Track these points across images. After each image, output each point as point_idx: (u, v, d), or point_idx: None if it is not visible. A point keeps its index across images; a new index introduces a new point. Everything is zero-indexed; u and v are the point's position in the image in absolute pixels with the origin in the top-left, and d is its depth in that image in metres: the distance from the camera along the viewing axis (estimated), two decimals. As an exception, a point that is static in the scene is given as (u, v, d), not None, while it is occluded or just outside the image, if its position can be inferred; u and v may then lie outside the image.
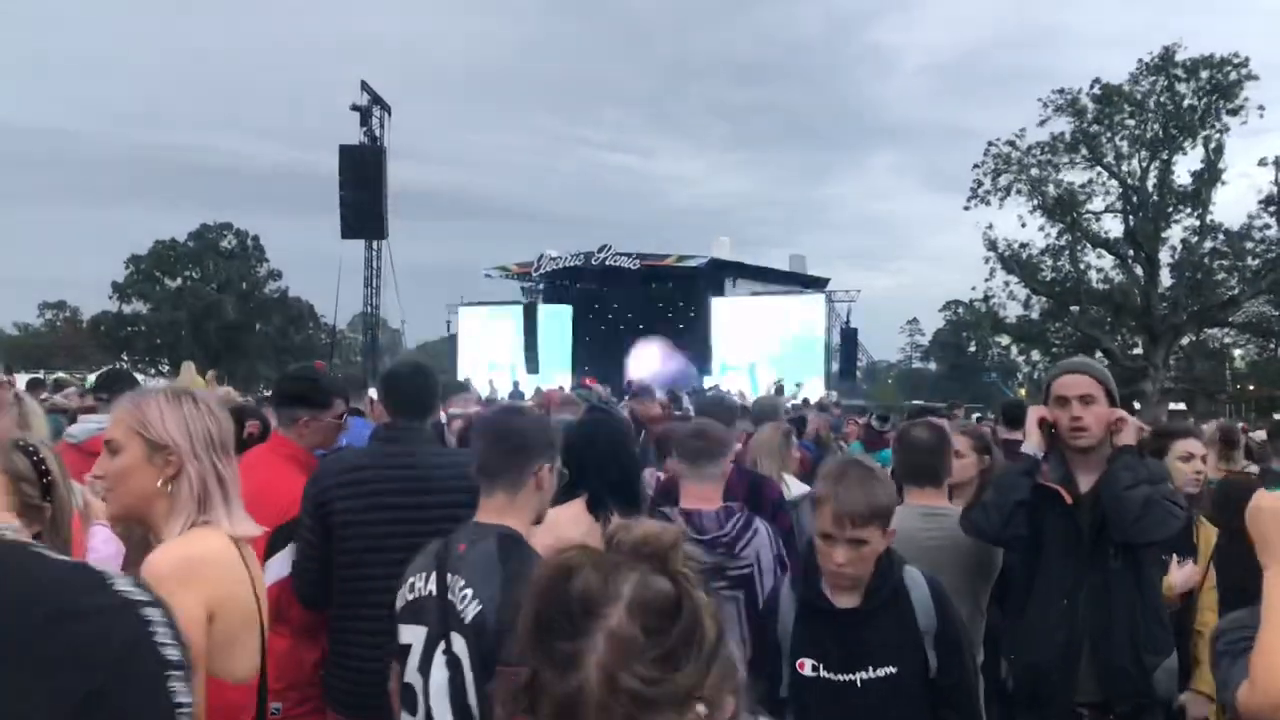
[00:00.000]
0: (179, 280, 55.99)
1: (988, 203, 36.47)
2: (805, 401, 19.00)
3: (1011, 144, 36.40)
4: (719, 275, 35.59)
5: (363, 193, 32.99)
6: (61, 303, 64.15)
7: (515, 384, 27.76)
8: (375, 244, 35.34)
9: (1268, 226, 34.96)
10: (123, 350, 54.68)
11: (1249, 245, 35.37)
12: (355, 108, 33.59)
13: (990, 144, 36.63)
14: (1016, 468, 3.63)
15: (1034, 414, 3.68)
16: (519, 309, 36.62)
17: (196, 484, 2.21)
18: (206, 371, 19.51)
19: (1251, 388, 41.23)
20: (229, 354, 51.51)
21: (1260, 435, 9.47)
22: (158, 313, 54.27)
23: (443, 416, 6.24)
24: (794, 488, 5.27)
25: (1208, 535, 4.36)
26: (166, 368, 51.03)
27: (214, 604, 2.13)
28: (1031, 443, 3.62)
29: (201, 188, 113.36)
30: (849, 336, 34.49)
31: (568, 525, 3.32)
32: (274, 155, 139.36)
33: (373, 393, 6.33)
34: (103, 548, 3.20)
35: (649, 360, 35.39)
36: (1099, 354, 38.82)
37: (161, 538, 2.22)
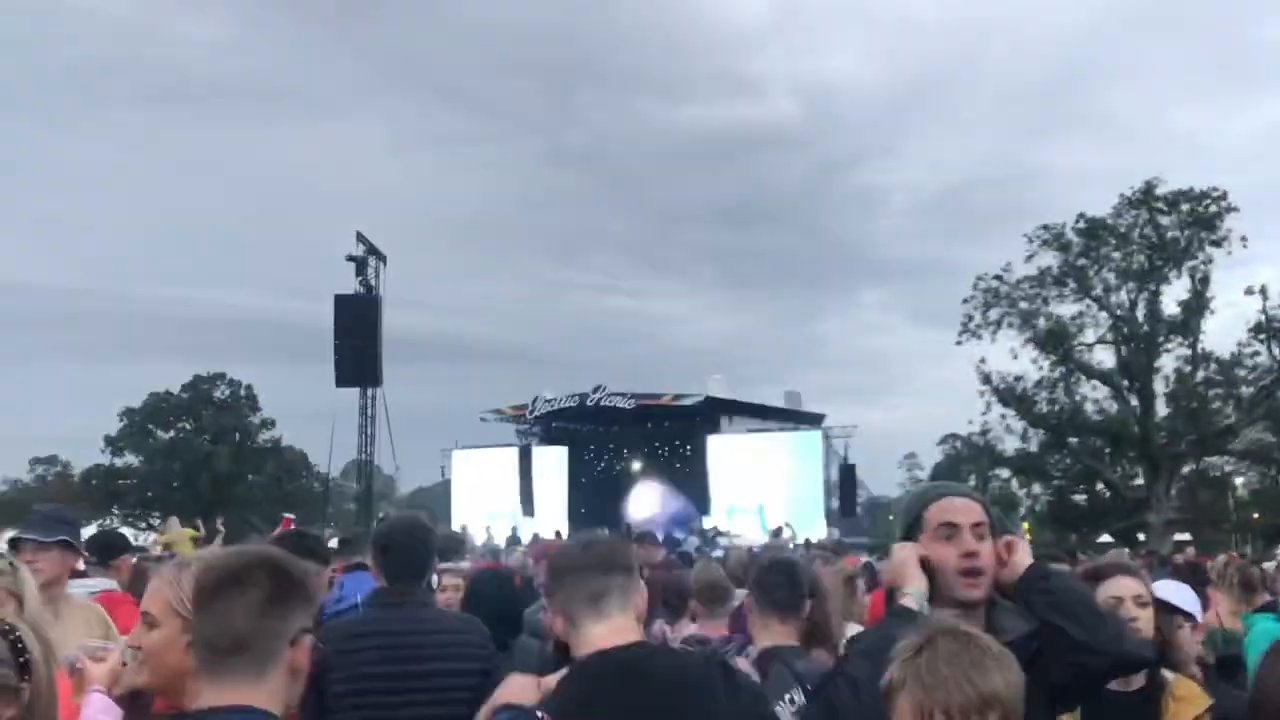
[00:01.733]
0: (172, 432, 55.79)
1: (979, 336, 36.79)
2: (807, 543, 18.66)
3: (999, 278, 36.89)
4: (715, 413, 35.50)
5: (357, 341, 33.16)
6: (53, 457, 63.65)
7: (514, 529, 27.36)
8: (370, 391, 35.35)
9: (1258, 354, 35.23)
10: (113, 504, 54.07)
11: (1241, 373, 35.58)
12: (351, 258, 34.02)
13: (978, 278, 37.14)
14: (887, 630, 2.37)
15: (908, 551, 2.57)
16: (514, 451, 36.43)
17: None
18: (198, 524, 19.22)
19: (1255, 515, 40.84)
20: (220, 505, 50.94)
21: (1271, 565, 9.24)
22: (150, 465, 53.92)
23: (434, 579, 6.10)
24: None
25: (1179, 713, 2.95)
26: (158, 521, 50.41)
27: None
28: (915, 588, 2.50)
29: (197, 341, 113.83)
30: (847, 472, 34.27)
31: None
32: (269, 306, 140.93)
33: None
34: (100, 717, 3.05)
35: (648, 503, 35.06)
36: (1100, 485, 38.66)
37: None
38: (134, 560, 6.84)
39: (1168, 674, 3.00)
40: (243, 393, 57.59)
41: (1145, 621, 3.30)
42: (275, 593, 1.98)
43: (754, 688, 2.65)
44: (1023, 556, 2.57)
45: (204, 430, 55.54)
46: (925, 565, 2.54)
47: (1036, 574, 2.50)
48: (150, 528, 49.76)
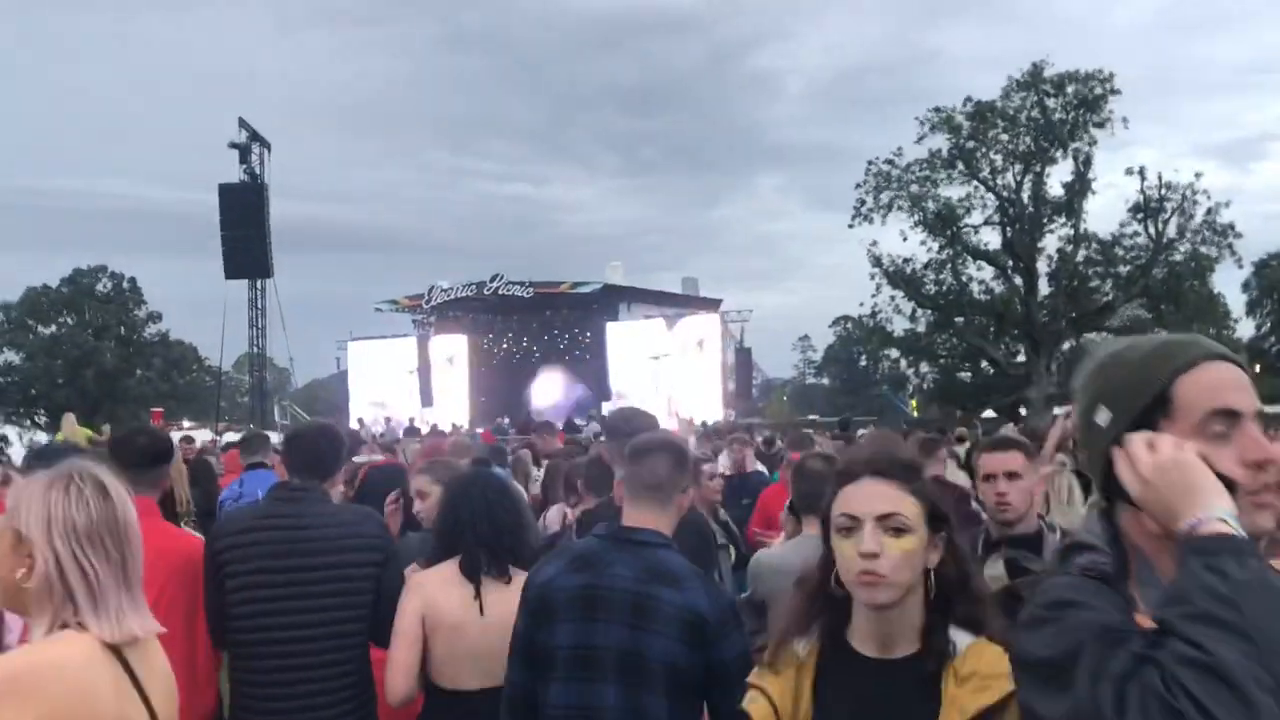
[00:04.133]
0: (53, 327, 53.87)
1: (871, 220, 37.22)
2: (704, 425, 19.06)
3: (891, 162, 37.23)
4: (613, 301, 35.64)
5: (245, 231, 32.38)
6: (-73, 356, 61.11)
7: (411, 420, 27.31)
8: (260, 283, 34.61)
9: (1136, 234, 36.42)
10: (-5, 402, 52.36)
11: (1120, 252, 36.78)
12: (234, 145, 32.91)
13: (870, 163, 37.42)
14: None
15: (1187, 453, 1.45)
16: (411, 341, 36.15)
17: (55, 580, 1.97)
18: (102, 429, 18.72)
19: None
20: (109, 401, 49.70)
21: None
22: (31, 362, 52.12)
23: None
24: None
25: None
26: (44, 419, 48.99)
27: None
28: (1223, 505, 1.41)
29: (76, 232, 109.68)
30: (744, 356, 34.85)
31: (435, 586, 3.26)
32: (152, 196, 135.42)
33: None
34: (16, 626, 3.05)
35: (550, 391, 35.28)
36: (984, 363, 39.98)
37: (31, 638, 2.03)
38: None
39: (958, 636, 2.02)
40: (126, 286, 55.69)
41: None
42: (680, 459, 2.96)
43: None
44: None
45: (87, 325, 53.73)
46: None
47: None
48: (37, 426, 48.40)
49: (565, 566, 2.79)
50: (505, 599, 3.14)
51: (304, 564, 3.32)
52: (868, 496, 2.03)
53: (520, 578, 3.11)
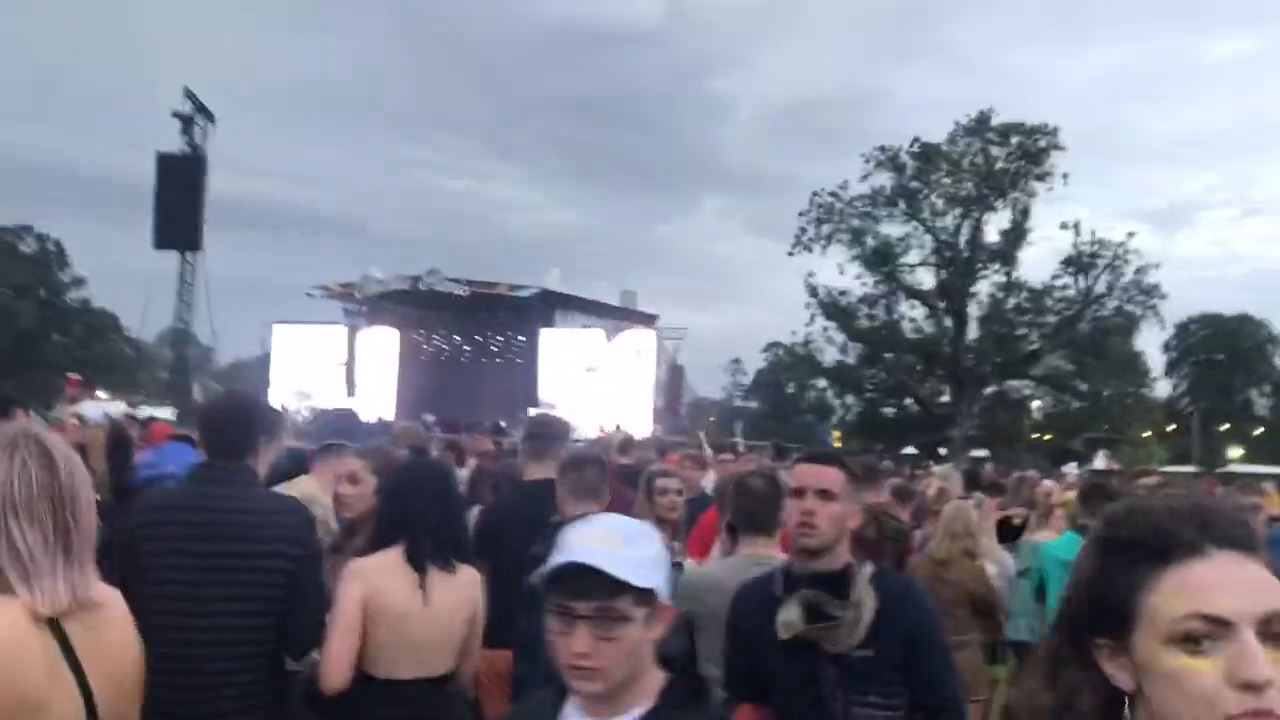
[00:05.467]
0: (-31, 284, 52.29)
1: (810, 250, 37.66)
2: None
3: (835, 195, 37.71)
4: (550, 306, 35.51)
5: (179, 202, 31.74)
6: None
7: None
8: (189, 256, 33.95)
9: (1066, 286, 37.24)
10: (-98, 358, 50.58)
11: (1049, 303, 37.58)
12: (177, 115, 32.30)
13: (815, 194, 37.87)
14: None
15: None
16: (341, 330, 35.68)
17: None
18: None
19: (1048, 437, 43.66)
20: (24, 364, 48.28)
21: (1049, 484, 9.92)
22: (-57, 318, 50.50)
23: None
24: None
25: None
26: (-48, 377, 47.45)
27: None
28: None
29: (2, 187, 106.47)
30: (676, 373, 34.98)
31: (379, 574, 3.20)
32: (86, 158, 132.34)
33: None
34: None
35: (477, 392, 35.03)
36: (909, 400, 40.56)
37: None
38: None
39: None
40: (51, 247, 54.26)
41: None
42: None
43: None
44: None
45: (6, 283, 52.23)
46: None
47: None
48: (-57, 384, 46.86)
49: None
50: (450, 588, 3.19)
51: (219, 549, 3.16)
52: (1247, 587, 1.18)
53: (465, 569, 3.20)
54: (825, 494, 2.91)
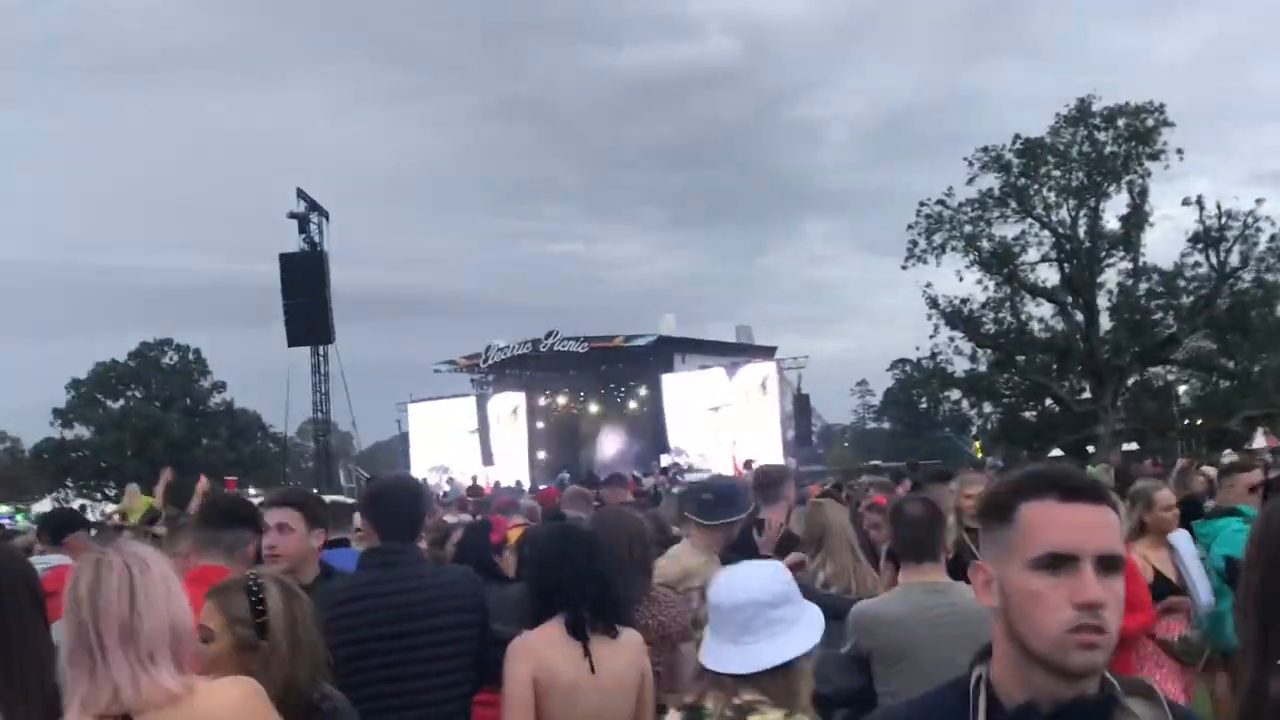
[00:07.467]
0: (121, 401, 54.97)
1: (924, 261, 37.07)
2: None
3: (942, 203, 37.12)
4: (668, 352, 35.56)
5: (306, 299, 32.89)
6: (1, 433, 62.60)
7: (474, 479, 27.42)
8: (321, 349, 35.10)
9: (1198, 264, 35.90)
10: (66, 477, 53.31)
11: (1181, 283, 36.23)
12: (293, 215, 33.60)
13: (922, 204, 37.35)
14: None
15: None
16: (470, 401, 36.36)
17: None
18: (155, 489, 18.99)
19: (1199, 422, 41.87)
20: (177, 472, 50.37)
21: (1212, 470, 9.48)
22: (101, 436, 53.14)
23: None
24: None
25: None
26: (113, 491, 49.82)
27: None
28: None
29: (143, 309, 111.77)
30: (802, 403, 34.59)
31: (544, 648, 3.19)
32: (215, 270, 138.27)
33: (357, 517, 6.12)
34: None
35: (610, 445, 35.30)
36: (1049, 401, 39.41)
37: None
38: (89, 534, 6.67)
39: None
40: (191, 357, 56.79)
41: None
42: None
43: None
44: None
45: (154, 398, 54.78)
46: None
47: None
48: (107, 499, 49.25)
49: None
50: (615, 654, 3.16)
51: (407, 629, 3.29)
52: None
53: (627, 633, 3.17)
54: (1109, 564, 1.53)
